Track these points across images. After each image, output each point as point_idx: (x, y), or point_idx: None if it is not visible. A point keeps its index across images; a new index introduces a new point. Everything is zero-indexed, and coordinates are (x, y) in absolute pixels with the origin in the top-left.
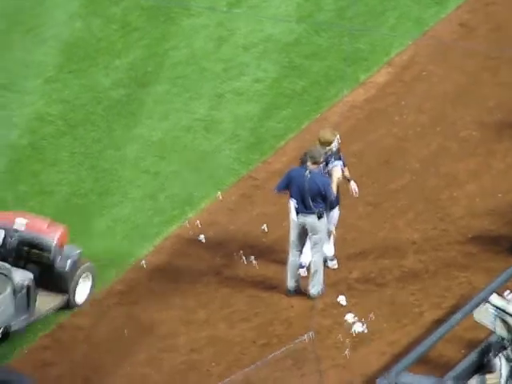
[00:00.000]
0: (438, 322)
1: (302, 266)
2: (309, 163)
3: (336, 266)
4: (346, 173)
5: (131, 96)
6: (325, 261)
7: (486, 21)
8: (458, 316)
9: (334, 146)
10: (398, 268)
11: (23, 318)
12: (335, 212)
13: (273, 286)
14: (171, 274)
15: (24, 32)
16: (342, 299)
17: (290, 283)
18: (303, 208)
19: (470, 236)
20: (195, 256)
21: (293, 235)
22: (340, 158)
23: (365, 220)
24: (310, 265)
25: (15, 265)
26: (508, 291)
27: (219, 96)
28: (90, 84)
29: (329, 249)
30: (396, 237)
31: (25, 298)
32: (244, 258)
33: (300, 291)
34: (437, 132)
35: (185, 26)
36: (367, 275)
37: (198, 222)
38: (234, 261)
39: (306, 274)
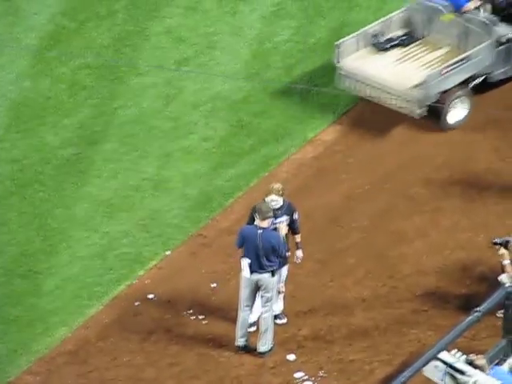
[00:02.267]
0: (388, 379)
1: (251, 324)
2: (258, 220)
3: (285, 321)
4: (299, 239)
5: (80, 155)
6: (274, 318)
7: None
8: (407, 373)
9: (281, 200)
10: (346, 326)
11: (503, 69)
12: (284, 269)
13: (222, 343)
14: (120, 332)
15: None
16: (291, 357)
17: (240, 341)
18: (257, 266)
19: (418, 293)
20: (145, 314)
21: (244, 293)
22: (287, 214)
23: (313, 278)
24: (259, 322)
25: (506, 20)
26: (455, 350)
27: (167, 155)
28: (38, 143)
29: (278, 305)
30: (345, 294)
31: (508, 52)
32: (193, 315)
33: (250, 349)
34: (385, 189)
35: (133, 85)
36: (316, 332)
37: (147, 280)
38: (183, 319)
39: (255, 329)
